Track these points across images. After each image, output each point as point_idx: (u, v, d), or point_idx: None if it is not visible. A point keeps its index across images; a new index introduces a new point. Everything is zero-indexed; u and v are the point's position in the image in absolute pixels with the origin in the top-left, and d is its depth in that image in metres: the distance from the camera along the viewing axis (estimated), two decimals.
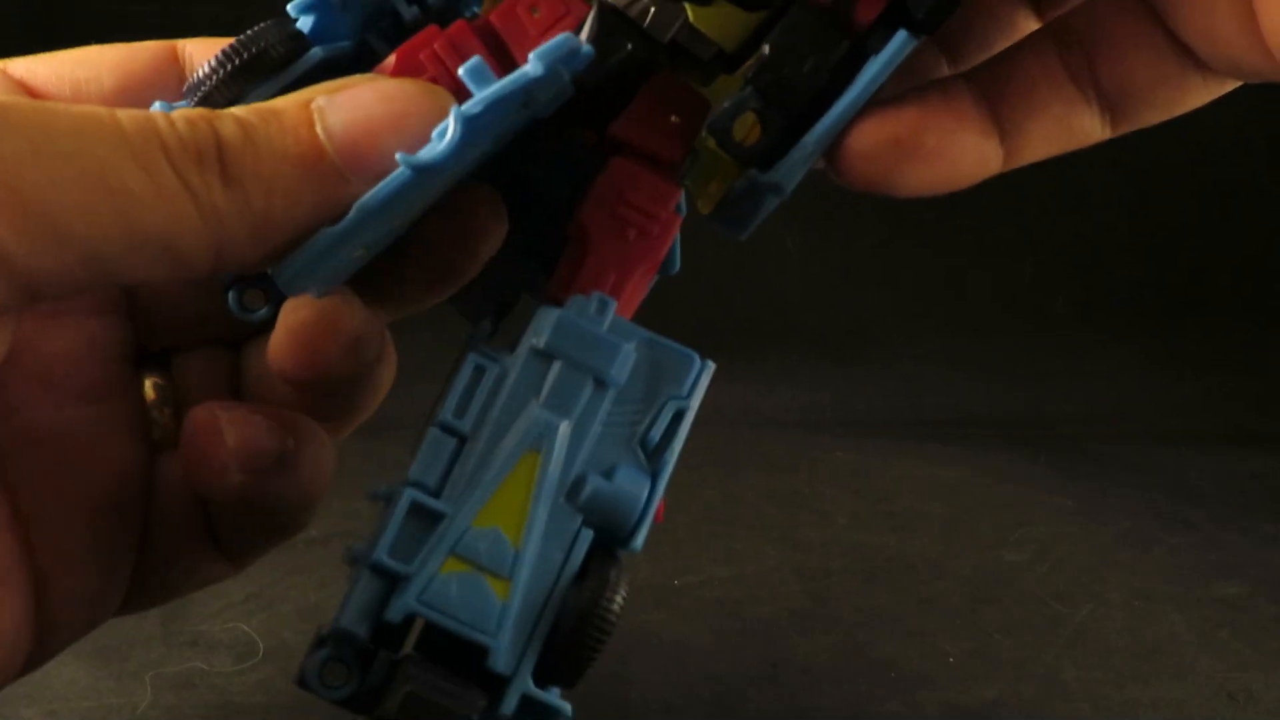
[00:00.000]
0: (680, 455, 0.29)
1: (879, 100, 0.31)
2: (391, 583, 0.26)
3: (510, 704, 0.26)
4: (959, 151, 0.31)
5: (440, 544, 0.26)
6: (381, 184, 0.26)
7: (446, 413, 0.28)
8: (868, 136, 0.30)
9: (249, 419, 0.30)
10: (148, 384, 0.34)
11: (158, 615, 0.51)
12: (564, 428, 0.28)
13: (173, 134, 0.24)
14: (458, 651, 0.26)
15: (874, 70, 0.29)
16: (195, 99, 0.29)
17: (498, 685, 0.26)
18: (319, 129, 0.26)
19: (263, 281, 0.31)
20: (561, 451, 0.27)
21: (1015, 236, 0.86)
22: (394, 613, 0.26)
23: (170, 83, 0.33)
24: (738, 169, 0.32)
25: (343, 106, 0.26)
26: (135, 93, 0.32)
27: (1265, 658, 0.50)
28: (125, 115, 0.24)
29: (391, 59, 0.30)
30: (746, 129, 0.30)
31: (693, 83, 0.31)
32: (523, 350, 0.28)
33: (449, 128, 0.26)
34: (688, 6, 0.30)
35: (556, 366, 0.28)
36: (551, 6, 0.30)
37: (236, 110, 0.26)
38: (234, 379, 0.35)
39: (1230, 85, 0.31)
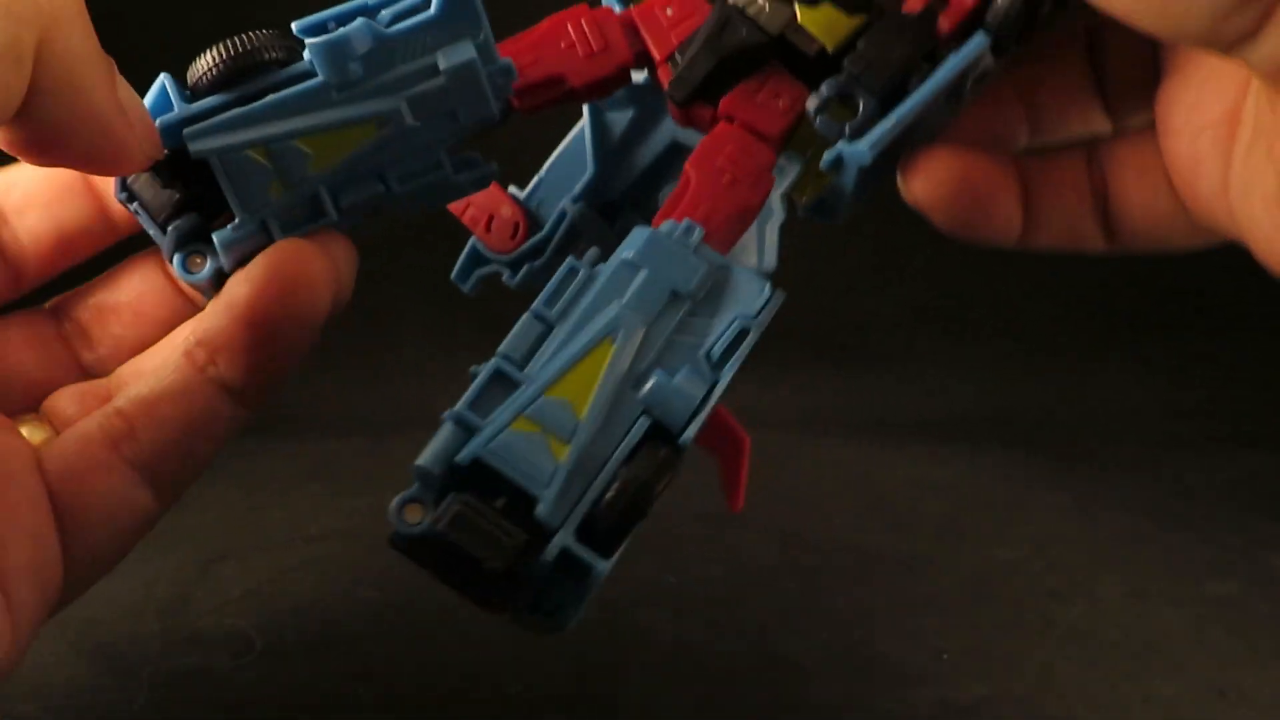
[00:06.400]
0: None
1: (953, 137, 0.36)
2: (468, 434, 0.29)
3: (551, 553, 0.29)
4: (998, 205, 0.36)
5: (513, 405, 0.29)
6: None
7: (539, 302, 0.31)
8: (935, 157, 0.35)
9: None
10: None
11: (156, 613, 0.52)
12: (639, 326, 0.31)
13: None
14: (511, 503, 0.29)
15: (953, 62, 0.34)
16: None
17: (541, 539, 0.29)
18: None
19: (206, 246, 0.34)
20: (633, 344, 0.31)
21: None
22: (464, 456, 0.29)
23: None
24: (828, 176, 0.36)
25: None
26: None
27: (1257, 655, 0.50)
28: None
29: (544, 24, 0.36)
30: (842, 110, 0.35)
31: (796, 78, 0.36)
32: (614, 259, 0.32)
33: None
34: (797, 8, 0.35)
35: (641, 274, 0.31)
36: (683, 6, 0.36)
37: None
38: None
39: (1218, 237, 0.35)
